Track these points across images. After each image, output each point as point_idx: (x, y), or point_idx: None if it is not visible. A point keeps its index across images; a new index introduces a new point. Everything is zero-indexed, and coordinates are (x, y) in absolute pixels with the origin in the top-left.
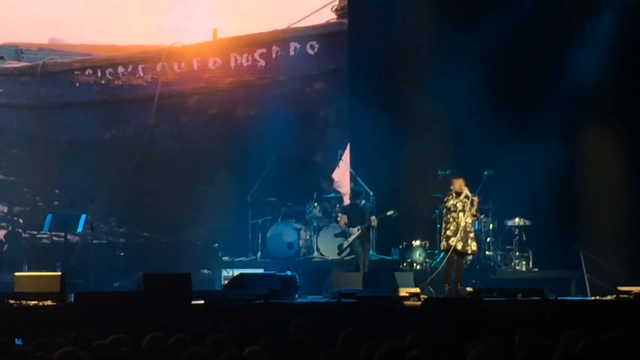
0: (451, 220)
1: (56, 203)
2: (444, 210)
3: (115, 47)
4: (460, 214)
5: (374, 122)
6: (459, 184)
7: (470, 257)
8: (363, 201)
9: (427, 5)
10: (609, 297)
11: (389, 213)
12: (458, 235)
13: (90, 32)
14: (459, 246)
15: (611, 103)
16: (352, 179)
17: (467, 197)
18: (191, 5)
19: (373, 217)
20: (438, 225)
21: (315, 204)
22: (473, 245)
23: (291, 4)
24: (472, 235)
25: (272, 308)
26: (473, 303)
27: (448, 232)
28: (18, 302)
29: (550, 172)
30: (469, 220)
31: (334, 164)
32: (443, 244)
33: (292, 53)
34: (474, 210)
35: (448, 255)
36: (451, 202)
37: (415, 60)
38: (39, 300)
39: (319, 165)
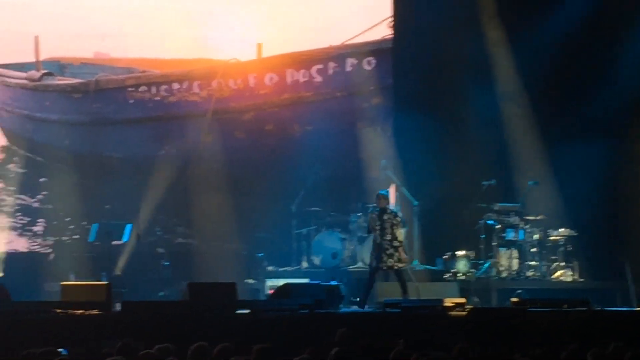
0: None
1: (106, 212)
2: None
3: (158, 60)
4: None
5: (418, 132)
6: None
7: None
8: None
9: (472, 16)
10: None
11: None
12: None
13: (134, 44)
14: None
15: None
16: (397, 189)
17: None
18: (235, 18)
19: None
20: (483, 235)
21: (360, 214)
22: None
23: (335, 19)
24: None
25: (317, 318)
26: (518, 314)
27: None
28: (64, 311)
29: (595, 182)
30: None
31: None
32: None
33: (348, 69)
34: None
35: None
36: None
37: (460, 71)
38: (85, 310)
39: (376, 181)
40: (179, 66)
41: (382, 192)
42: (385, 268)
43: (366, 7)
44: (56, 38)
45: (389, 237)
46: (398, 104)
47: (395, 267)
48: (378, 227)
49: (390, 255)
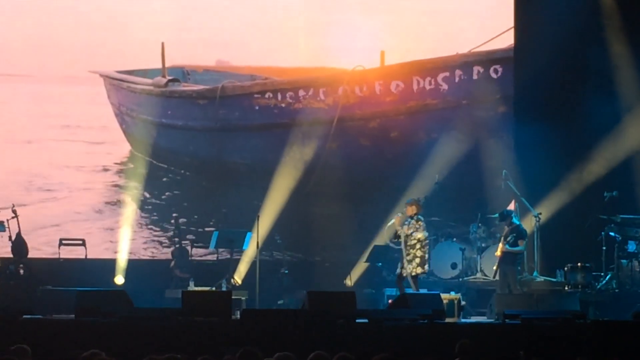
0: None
1: (224, 218)
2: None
3: (280, 69)
4: None
5: (539, 143)
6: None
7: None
8: (516, 222)
9: (594, 27)
10: None
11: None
12: None
13: (256, 52)
14: None
15: None
16: (517, 200)
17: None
18: (357, 26)
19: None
20: (604, 247)
21: (480, 225)
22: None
23: (458, 27)
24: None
25: (436, 328)
26: (638, 327)
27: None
28: (185, 318)
29: None
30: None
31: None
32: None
33: (475, 77)
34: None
35: None
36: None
37: (582, 81)
38: (206, 317)
39: (497, 191)
40: (300, 74)
41: (409, 200)
42: (404, 275)
43: (489, 17)
44: (179, 45)
45: (409, 242)
46: (519, 113)
47: (413, 274)
48: (402, 234)
49: (409, 262)
